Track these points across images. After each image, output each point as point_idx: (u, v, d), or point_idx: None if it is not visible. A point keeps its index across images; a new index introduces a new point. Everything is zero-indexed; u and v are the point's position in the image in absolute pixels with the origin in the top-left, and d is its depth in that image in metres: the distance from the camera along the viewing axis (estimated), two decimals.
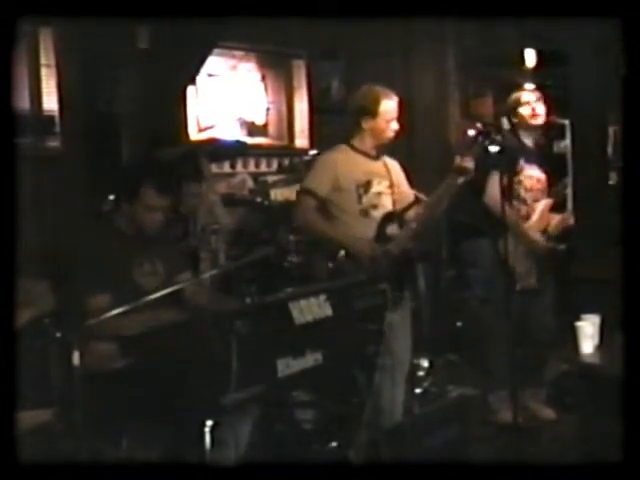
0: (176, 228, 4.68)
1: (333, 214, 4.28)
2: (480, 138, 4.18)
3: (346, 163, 4.30)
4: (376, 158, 4.38)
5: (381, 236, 4.26)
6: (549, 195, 4.98)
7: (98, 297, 3.49)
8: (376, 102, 4.28)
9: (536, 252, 4.83)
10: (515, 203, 4.79)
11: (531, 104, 4.91)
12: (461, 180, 4.22)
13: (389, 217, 4.31)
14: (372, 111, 4.28)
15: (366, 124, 4.31)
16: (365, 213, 4.28)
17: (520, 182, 4.81)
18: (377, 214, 4.28)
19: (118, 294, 3.44)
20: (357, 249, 4.16)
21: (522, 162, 4.80)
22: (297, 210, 4.44)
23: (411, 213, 4.40)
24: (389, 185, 4.36)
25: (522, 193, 4.83)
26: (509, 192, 4.51)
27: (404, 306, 4.34)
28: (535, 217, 4.88)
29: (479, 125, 4.30)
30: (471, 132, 4.25)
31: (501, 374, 4.61)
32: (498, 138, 4.35)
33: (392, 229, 4.30)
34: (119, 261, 3.62)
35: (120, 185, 3.82)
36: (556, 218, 4.94)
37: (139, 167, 3.98)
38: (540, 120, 4.93)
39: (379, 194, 4.31)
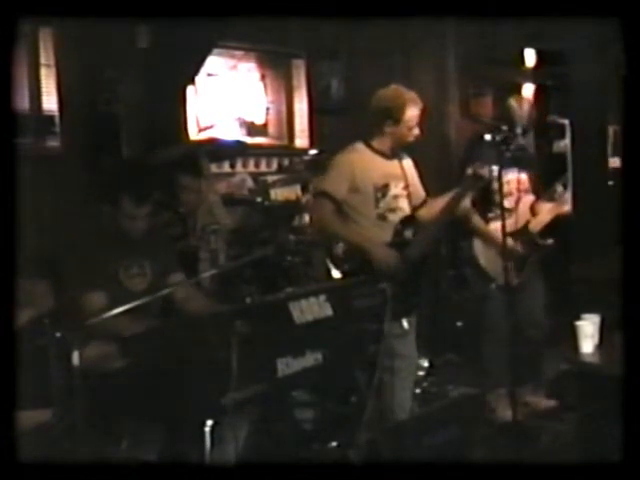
0: (176, 228, 4.68)
1: (350, 216, 4.23)
2: (496, 143, 4.15)
3: (363, 164, 4.24)
4: (392, 158, 4.33)
5: (399, 240, 4.23)
6: (537, 194, 4.98)
7: (89, 295, 3.52)
8: (402, 108, 4.19)
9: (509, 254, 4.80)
10: (490, 208, 4.78)
11: (522, 105, 4.93)
12: (478, 186, 4.20)
13: (406, 221, 4.27)
14: (396, 117, 4.20)
15: (388, 128, 4.23)
16: (383, 217, 4.23)
17: (493, 190, 4.77)
18: (394, 218, 4.24)
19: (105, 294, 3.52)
20: (375, 254, 4.12)
21: (496, 170, 4.75)
22: (314, 213, 4.40)
23: (422, 213, 4.36)
24: (405, 186, 4.32)
25: (497, 199, 4.81)
26: (482, 201, 4.50)
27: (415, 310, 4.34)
28: (511, 219, 4.85)
29: (495, 130, 4.27)
30: (487, 137, 4.22)
31: (497, 372, 4.61)
32: (514, 143, 4.37)
33: (409, 233, 4.26)
34: (106, 261, 3.66)
35: (102, 189, 3.86)
36: (544, 211, 4.94)
37: (117, 175, 4.00)
38: (525, 122, 4.95)
39: (396, 197, 4.27)
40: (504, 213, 4.28)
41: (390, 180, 4.27)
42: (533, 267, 5.00)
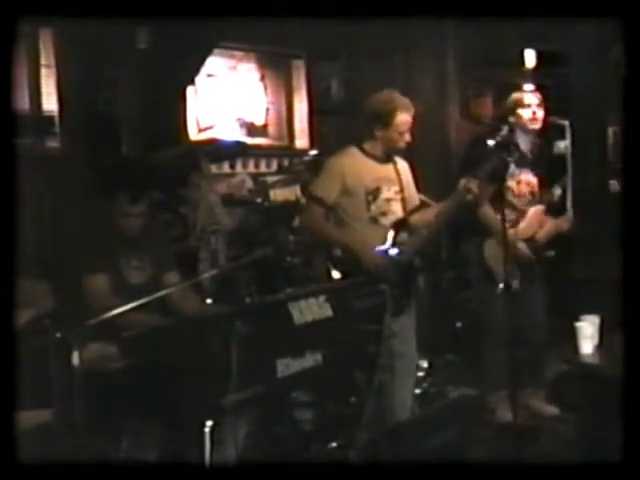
0: (176, 228, 4.68)
1: (342, 219, 4.24)
2: (499, 150, 4.15)
3: (355, 168, 4.24)
4: (386, 161, 4.32)
5: (391, 244, 4.21)
6: (540, 199, 4.95)
7: (91, 278, 3.60)
8: (392, 113, 4.18)
9: (518, 259, 4.79)
10: (504, 209, 4.75)
11: (532, 106, 4.88)
12: (469, 197, 4.20)
13: (400, 224, 4.25)
14: (386, 122, 4.19)
15: (378, 132, 4.24)
16: (374, 220, 4.23)
17: (509, 188, 4.79)
18: (386, 221, 4.23)
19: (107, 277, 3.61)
20: (364, 257, 4.12)
21: (513, 167, 4.75)
22: (305, 217, 4.42)
23: (416, 218, 4.36)
24: (399, 190, 4.31)
25: (511, 198, 4.81)
26: (499, 199, 4.48)
27: (410, 310, 4.33)
28: (523, 224, 4.85)
29: (499, 138, 4.27)
30: (490, 142, 4.22)
31: (499, 374, 4.60)
32: (516, 152, 4.37)
33: (402, 237, 4.25)
34: (106, 255, 3.72)
35: (100, 187, 3.90)
36: (549, 223, 4.92)
37: (114, 173, 4.03)
38: (539, 123, 4.90)
39: (388, 201, 4.26)
40: (503, 209, 4.26)
41: (382, 184, 4.26)
42: (537, 272, 4.97)
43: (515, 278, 4.75)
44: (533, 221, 4.88)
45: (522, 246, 4.81)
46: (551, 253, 5.00)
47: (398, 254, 4.19)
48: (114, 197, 3.71)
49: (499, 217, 4.34)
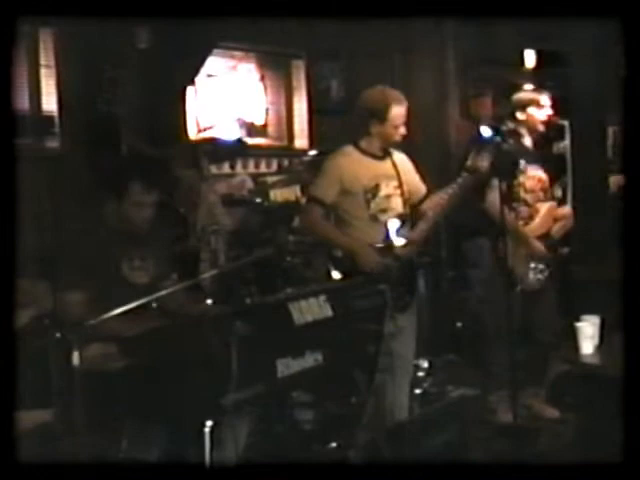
0: (176, 228, 4.68)
1: (343, 219, 4.24)
2: (495, 138, 4.16)
3: (352, 167, 4.23)
4: (383, 158, 4.31)
5: (390, 241, 4.20)
6: (552, 196, 4.95)
7: (67, 295, 3.53)
8: (386, 107, 4.18)
9: (536, 256, 4.79)
10: (516, 205, 4.75)
11: (540, 103, 4.89)
12: (474, 179, 4.18)
13: (399, 220, 4.24)
14: (381, 116, 4.19)
15: (374, 128, 4.23)
16: (374, 218, 4.21)
17: (521, 184, 4.79)
18: (386, 217, 4.22)
19: (104, 285, 3.54)
20: (366, 255, 4.12)
21: (523, 163, 4.76)
22: (304, 217, 4.42)
23: (424, 207, 4.33)
24: (398, 185, 4.29)
25: (523, 195, 4.81)
26: (509, 195, 4.47)
27: (411, 310, 4.33)
28: (537, 220, 4.84)
29: (495, 125, 4.28)
30: (486, 132, 4.22)
31: (501, 374, 4.60)
32: (511, 140, 4.37)
33: (403, 232, 4.24)
34: (108, 256, 3.67)
35: (107, 182, 3.87)
36: (560, 220, 4.91)
37: (126, 164, 4.00)
38: (545, 120, 4.91)
39: (388, 197, 4.25)
40: (508, 205, 4.26)
41: (380, 180, 4.25)
42: (553, 270, 4.96)
43: (533, 276, 4.76)
44: (547, 217, 4.87)
45: (537, 244, 4.80)
46: (565, 250, 4.99)
47: (398, 250, 4.18)
48: (127, 187, 3.66)
49: (512, 215, 4.33)
